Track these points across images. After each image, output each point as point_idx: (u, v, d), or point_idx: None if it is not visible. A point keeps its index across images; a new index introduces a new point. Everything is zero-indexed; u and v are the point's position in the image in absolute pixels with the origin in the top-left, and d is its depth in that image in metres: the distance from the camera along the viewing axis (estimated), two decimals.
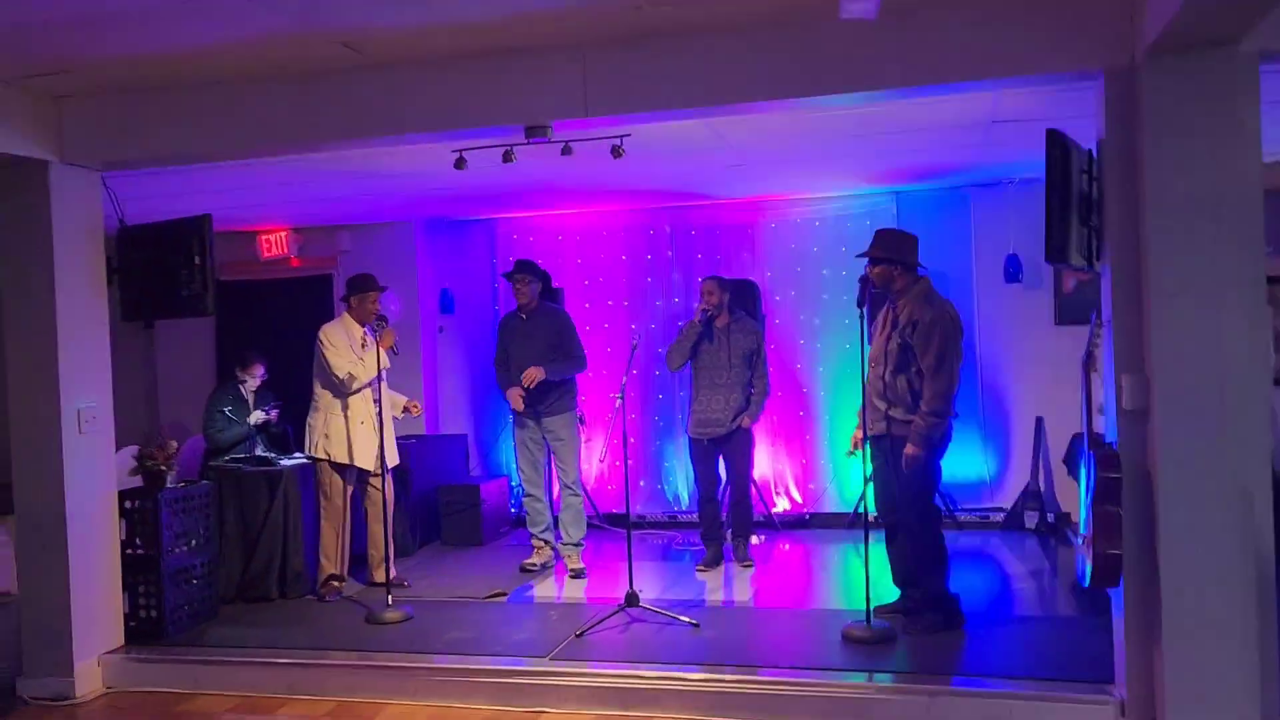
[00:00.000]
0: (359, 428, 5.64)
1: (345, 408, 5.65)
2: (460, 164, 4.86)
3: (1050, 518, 6.79)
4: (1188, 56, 3.39)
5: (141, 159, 4.68)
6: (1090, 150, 3.84)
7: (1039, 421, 6.90)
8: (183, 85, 4.43)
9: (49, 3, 3.36)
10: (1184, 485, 3.48)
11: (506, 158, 4.62)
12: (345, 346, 5.62)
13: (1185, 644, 3.48)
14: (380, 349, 5.58)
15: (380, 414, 5.66)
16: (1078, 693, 3.88)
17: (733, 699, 4.11)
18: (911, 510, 4.69)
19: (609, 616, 4.93)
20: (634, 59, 4.00)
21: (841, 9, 3.23)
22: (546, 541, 6.18)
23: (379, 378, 5.62)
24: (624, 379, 5.18)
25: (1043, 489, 6.85)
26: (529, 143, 4.29)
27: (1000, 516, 6.94)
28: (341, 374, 5.56)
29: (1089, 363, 3.81)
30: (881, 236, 4.77)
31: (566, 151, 4.54)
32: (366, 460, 5.66)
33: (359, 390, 5.63)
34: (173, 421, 8.00)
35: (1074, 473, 6.75)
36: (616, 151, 4.62)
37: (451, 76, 4.15)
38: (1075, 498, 6.71)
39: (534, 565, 6.11)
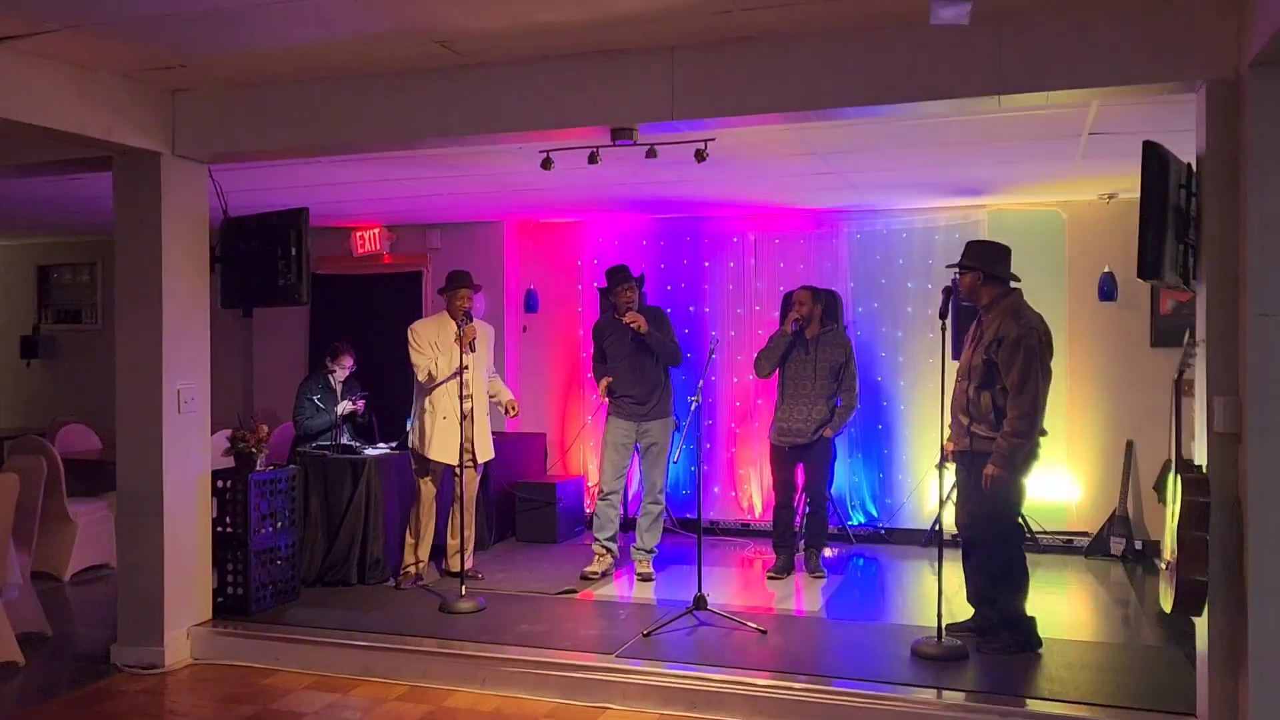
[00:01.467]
0: (440, 423, 5.77)
1: (431, 403, 5.79)
2: (547, 164, 4.96)
3: (1138, 545, 6.58)
4: None
5: (248, 152, 4.89)
6: (1188, 164, 3.73)
7: (1129, 445, 6.69)
8: (289, 81, 4.62)
9: None
10: (1275, 512, 3.35)
11: (592, 159, 4.68)
12: (429, 343, 5.75)
13: (1272, 676, 3.35)
14: (458, 345, 5.69)
15: (466, 409, 5.75)
16: None
17: (798, 706, 4.09)
18: (991, 529, 4.60)
19: (677, 618, 4.95)
20: (722, 62, 4.02)
21: (932, 14, 3.21)
22: (609, 550, 6.08)
23: (458, 372, 5.67)
24: (700, 381, 5.19)
25: (1131, 515, 6.63)
26: (615, 144, 4.35)
27: (1085, 541, 6.75)
28: (420, 375, 5.73)
29: (1180, 384, 3.69)
30: (972, 247, 4.69)
31: (651, 154, 4.59)
32: (445, 455, 5.76)
33: (441, 385, 5.75)
34: (265, 408, 8.29)
35: (1164, 499, 6.53)
36: (700, 155, 4.65)
37: (542, 77, 4.24)
38: (1164, 526, 6.52)
39: (594, 573, 5.99)
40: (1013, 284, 4.63)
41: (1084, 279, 6.83)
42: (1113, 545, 6.57)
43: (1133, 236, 6.72)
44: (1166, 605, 3.60)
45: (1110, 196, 6.69)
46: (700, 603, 4.99)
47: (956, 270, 4.66)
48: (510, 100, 4.30)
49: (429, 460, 5.79)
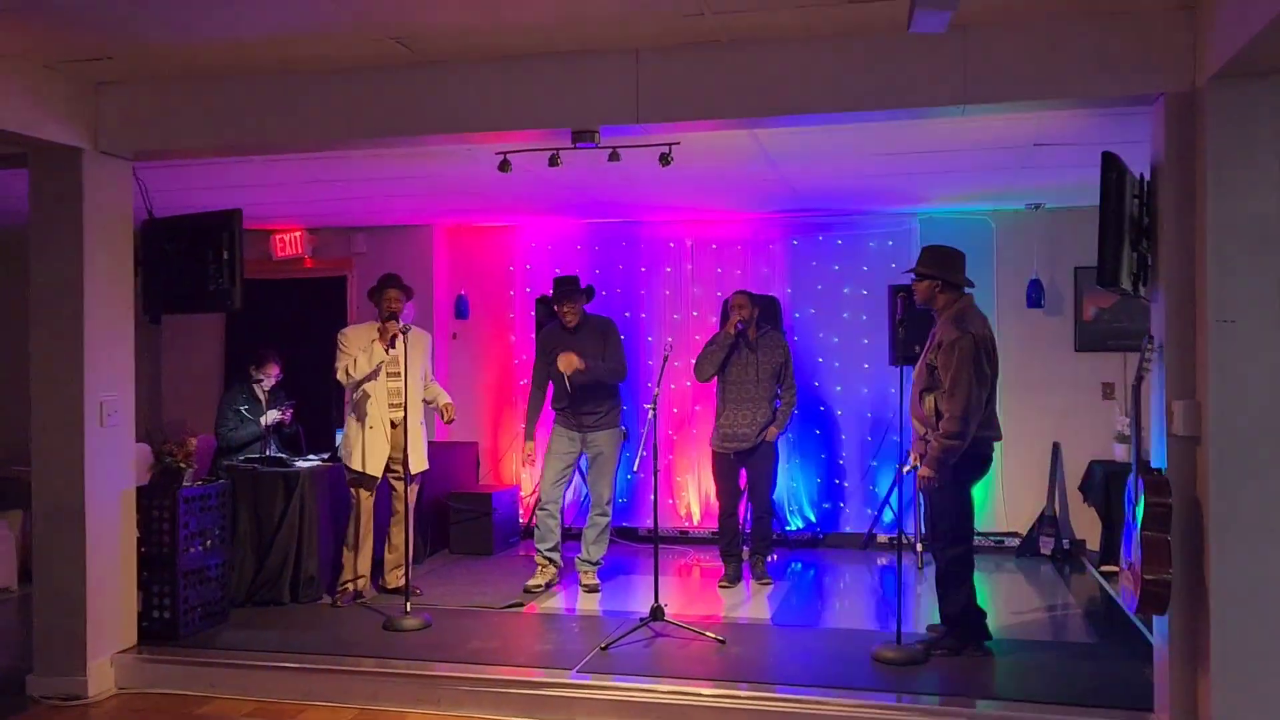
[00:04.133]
0: (368, 433, 5.57)
1: (358, 413, 5.59)
2: (505, 166, 4.82)
3: (1065, 544, 6.77)
4: (1253, 83, 3.39)
5: (177, 149, 4.62)
6: (1141, 175, 3.83)
7: (1055, 447, 6.90)
8: (223, 76, 4.38)
9: None
10: (1235, 513, 3.46)
11: (552, 162, 4.57)
12: (358, 348, 5.54)
13: (1234, 673, 3.45)
14: (379, 344, 5.50)
15: (396, 419, 5.58)
16: None
17: (765, 717, 4.05)
18: (933, 531, 4.65)
19: (634, 629, 4.86)
20: (689, 66, 3.96)
21: (913, 21, 3.21)
22: (552, 560, 5.93)
23: (377, 372, 5.51)
24: (656, 390, 5.12)
25: (1058, 515, 6.83)
26: (575, 147, 4.25)
27: (1015, 542, 6.92)
28: (338, 375, 5.57)
29: (1139, 388, 3.78)
30: (928, 253, 4.70)
31: (614, 158, 4.50)
32: (371, 466, 5.56)
33: (367, 392, 5.54)
34: (176, 418, 7.89)
35: (1089, 499, 6.75)
36: (665, 159, 4.59)
37: (502, 76, 4.11)
38: (1089, 524, 6.75)
39: (537, 586, 5.84)
40: (966, 289, 4.67)
41: (1011, 286, 7.01)
42: (1042, 545, 6.75)
43: (1058, 245, 7.00)
44: (1132, 606, 3.67)
45: (1037, 206, 6.88)
46: (657, 613, 4.91)
47: (913, 275, 4.68)
48: (468, 100, 4.15)
49: (362, 472, 5.58)
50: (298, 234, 7.89)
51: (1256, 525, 3.43)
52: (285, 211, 7.29)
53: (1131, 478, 3.71)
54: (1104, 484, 6.41)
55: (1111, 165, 3.69)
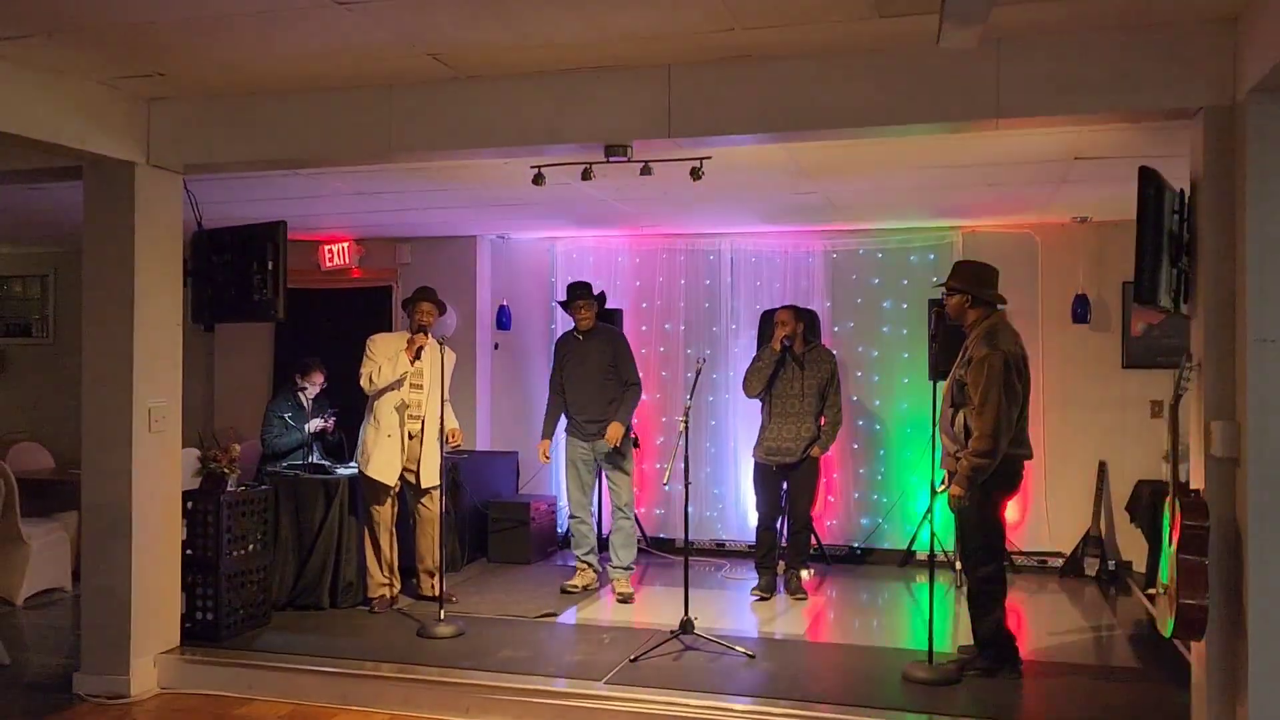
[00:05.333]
0: (384, 441, 5.63)
1: (376, 419, 5.66)
2: (539, 180, 4.88)
3: (1111, 565, 6.64)
4: None
5: (225, 163, 4.74)
6: (1181, 190, 3.76)
7: (1102, 466, 6.77)
8: (270, 91, 4.50)
9: (151, 3, 3.42)
10: (1275, 537, 3.37)
11: (585, 175, 4.62)
12: (386, 356, 5.62)
13: (1272, 701, 3.36)
14: (406, 354, 5.58)
15: (413, 430, 5.65)
16: None
17: None
18: (963, 550, 4.60)
19: (663, 643, 4.87)
20: (720, 80, 3.98)
21: (942, 37, 3.19)
22: (590, 564, 6.10)
23: (401, 382, 5.60)
24: (688, 402, 5.13)
25: (1104, 535, 6.70)
26: (608, 161, 4.29)
27: (1059, 561, 6.79)
28: (361, 380, 5.63)
29: (1177, 407, 3.71)
30: (960, 267, 4.68)
31: (646, 171, 4.53)
32: (383, 473, 5.61)
33: (387, 401, 5.61)
34: (226, 426, 8.07)
35: (1136, 520, 6.61)
36: (696, 173, 4.61)
37: (536, 92, 4.17)
38: (1136, 545, 6.60)
39: (575, 587, 6.01)
40: (999, 306, 4.62)
41: (1057, 301, 6.90)
42: (1087, 565, 6.62)
43: (1104, 259, 6.88)
44: (1166, 630, 3.59)
45: (1083, 220, 6.78)
46: (687, 626, 4.91)
47: (944, 290, 4.64)
48: (502, 115, 4.22)
49: (376, 479, 5.65)
50: (345, 245, 8.04)
51: None
52: (333, 223, 7.44)
53: (1168, 499, 3.64)
54: (1151, 504, 6.26)
55: (1149, 180, 3.63)
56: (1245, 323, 3.44)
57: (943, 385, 4.68)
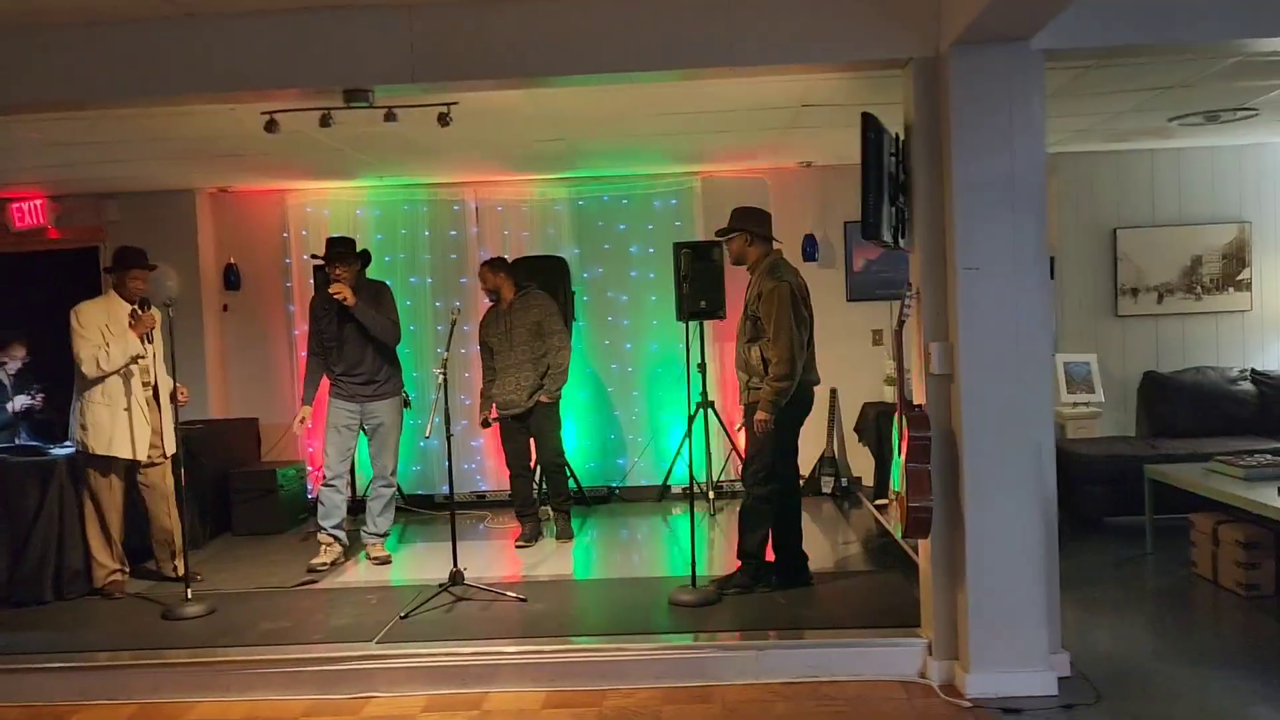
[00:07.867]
0: (121, 415, 5.19)
1: (105, 394, 5.19)
2: (272, 127, 4.57)
3: (844, 482, 7.25)
4: (989, 48, 3.70)
5: None
6: (898, 134, 4.11)
7: (833, 393, 7.33)
8: None
9: None
10: (985, 441, 3.82)
11: (324, 122, 4.38)
12: (98, 329, 5.13)
13: (986, 585, 3.84)
14: (133, 335, 5.15)
15: (148, 398, 5.25)
16: (889, 638, 4.19)
17: (571, 667, 4.14)
18: (746, 468, 4.88)
19: (434, 595, 4.82)
20: (463, 23, 3.88)
21: None
22: (337, 539, 5.72)
23: (134, 361, 5.18)
24: (444, 354, 5.04)
25: (837, 456, 7.29)
26: (349, 107, 4.08)
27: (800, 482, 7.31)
28: (87, 366, 5.11)
29: (901, 332, 4.09)
30: (738, 212, 4.92)
31: (390, 118, 4.36)
32: (128, 450, 5.21)
33: (109, 376, 5.17)
34: None
35: (864, 439, 7.25)
36: (443, 120, 4.49)
37: (266, 32, 3.88)
38: (865, 463, 7.25)
39: (322, 564, 5.61)
40: (774, 245, 4.90)
41: (789, 241, 7.30)
42: (823, 484, 7.20)
43: (828, 201, 7.37)
44: (898, 533, 3.99)
45: (808, 164, 7.24)
46: (457, 578, 4.89)
47: (724, 235, 4.85)
48: (232, 58, 3.90)
49: (111, 457, 5.20)
50: (39, 202, 7.19)
51: (1003, 451, 3.81)
52: (26, 178, 6.62)
53: (896, 415, 4.02)
54: (875, 424, 6.91)
55: (870, 125, 3.94)
56: (953, 254, 3.83)
57: (694, 326, 4.88)
